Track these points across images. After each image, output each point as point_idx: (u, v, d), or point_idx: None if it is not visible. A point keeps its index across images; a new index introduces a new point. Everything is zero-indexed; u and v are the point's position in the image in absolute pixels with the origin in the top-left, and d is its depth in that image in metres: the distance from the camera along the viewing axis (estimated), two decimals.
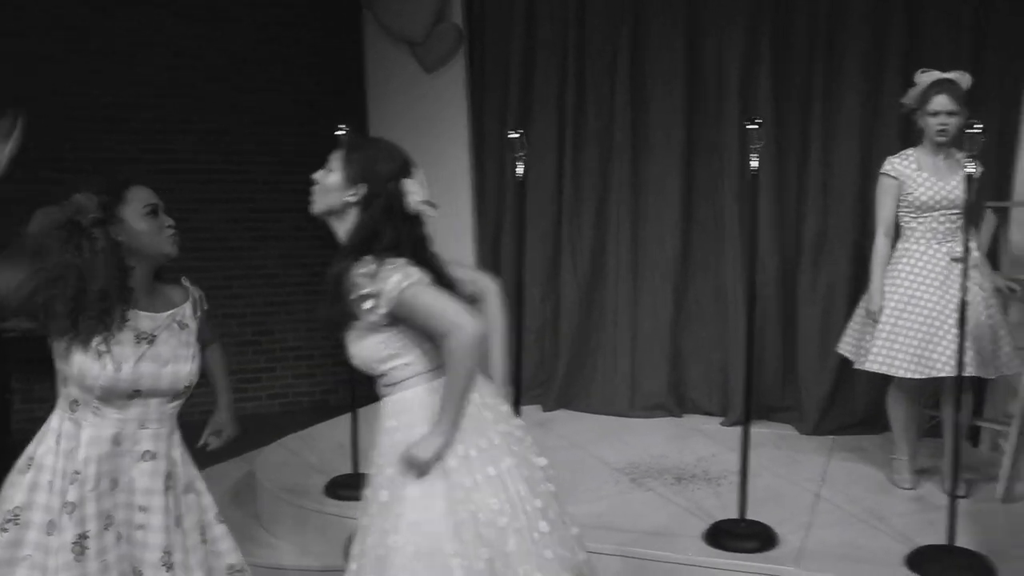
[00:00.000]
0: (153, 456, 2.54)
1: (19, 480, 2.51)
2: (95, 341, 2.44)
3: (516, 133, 3.81)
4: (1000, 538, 3.57)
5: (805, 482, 4.31)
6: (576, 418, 5.54)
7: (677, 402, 5.59)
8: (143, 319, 2.53)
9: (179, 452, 2.63)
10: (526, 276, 5.77)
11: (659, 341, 5.56)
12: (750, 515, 3.59)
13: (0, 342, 5.06)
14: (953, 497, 3.33)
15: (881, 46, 5.04)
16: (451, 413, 2.24)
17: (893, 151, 4.94)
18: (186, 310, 2.65)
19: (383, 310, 2.23)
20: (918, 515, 3.86)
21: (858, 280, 5.13)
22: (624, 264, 5.58)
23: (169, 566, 2.50)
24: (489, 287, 2.56)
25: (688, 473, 4.44)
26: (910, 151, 4.06)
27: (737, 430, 5.12)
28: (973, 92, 4.78)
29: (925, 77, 3.99)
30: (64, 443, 2.49)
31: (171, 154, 6.90)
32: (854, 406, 5.17)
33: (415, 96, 5.78)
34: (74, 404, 2.51)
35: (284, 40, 7.25)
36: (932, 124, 3.94)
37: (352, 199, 2.34)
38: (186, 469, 2.64)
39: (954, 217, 3.94)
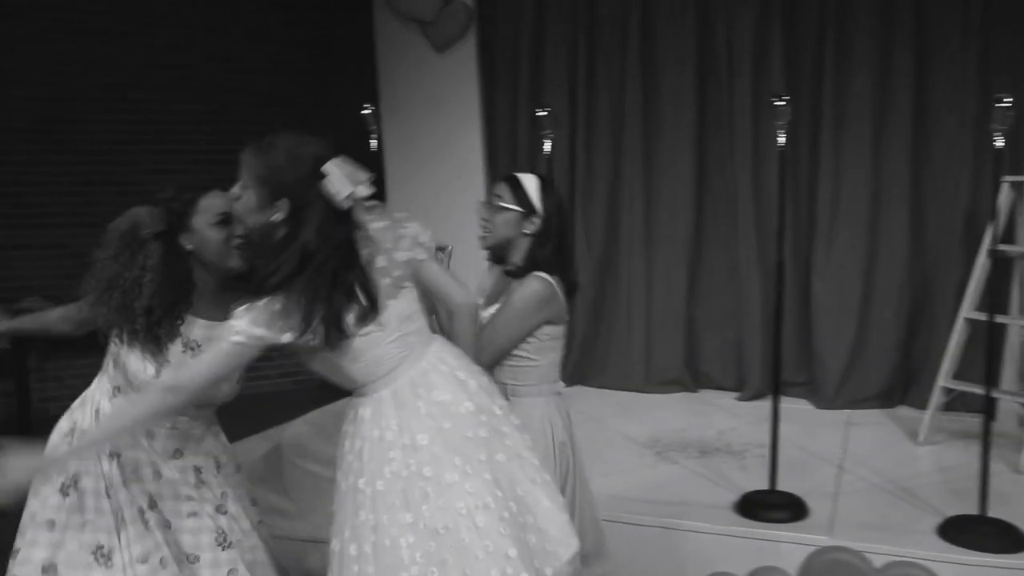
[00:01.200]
0: (181, 454, 2.57)
1: (66, 443, 2.55)
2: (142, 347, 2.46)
3: (543, 111, 3.82)
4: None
5: (826, 454, 4.35)
6: (592, 394, 5.56)
7: (692, 377, 5.62)
8: (198, 327, 2.50)
9: (213, 443, 2.67)
10: None
11: (673, 317, 5.58)
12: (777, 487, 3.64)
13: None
14: (985, 467, 3.37)
15: (891, 23, 5.04)
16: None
17: (903, 127, 5.03)
18: None
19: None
20: (943, 486, 3.92)
21: (870, 255, 5.18)
22: (638, 240, 5.59)
23: (226, 546, 2.55)
24: (459, 306, 2.39)
25: (711, 446, 4.47)
26: None
27: (754, 404, 5.22)
28: (985, 67, 4.85)
29: None
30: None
31: (170, 135, 6.88)
32: (868, 381, 5.21)
33: (426, 76, 5.76)
34: (116, 390, 2.55)
35: (289, 20, 7.23)
36: None
37: (278, 218, 2.16)
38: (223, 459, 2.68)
39: None
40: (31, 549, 2.48)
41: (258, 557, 2.64)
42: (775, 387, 3.74)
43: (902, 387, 5.27)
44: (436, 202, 5.43)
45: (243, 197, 2.23)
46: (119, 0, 6.60)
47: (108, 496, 2.48)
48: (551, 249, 2.64)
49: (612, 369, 5.69)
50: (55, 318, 2.71)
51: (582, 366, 5.72)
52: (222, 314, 2.48)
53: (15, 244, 6.54)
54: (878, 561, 3.18)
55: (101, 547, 2.46)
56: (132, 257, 2.45)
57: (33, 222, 6.59)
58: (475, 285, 2.72)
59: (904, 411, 5.16)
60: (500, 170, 5.84)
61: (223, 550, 2.55)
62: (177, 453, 2.57)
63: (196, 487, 2.58)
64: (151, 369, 2.45)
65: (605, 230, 5.67)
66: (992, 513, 3.40)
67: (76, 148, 6.65)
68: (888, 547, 3.27)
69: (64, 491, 2.49)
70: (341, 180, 2.12)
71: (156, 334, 2.44)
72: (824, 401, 5.21)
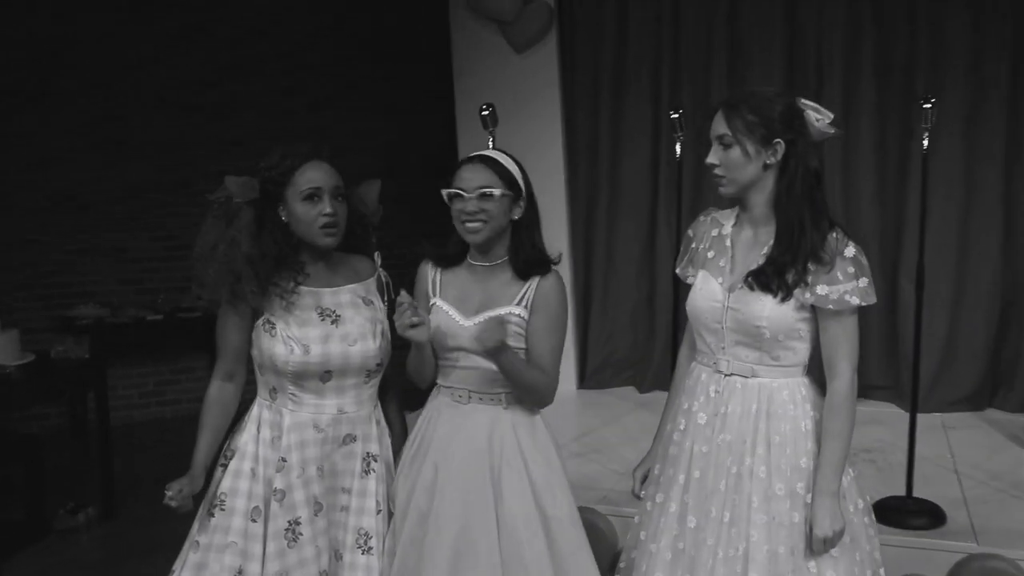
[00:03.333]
0: (353, 439, 2.51)
1: (223, 469, 2.50)
2: (268, 321, 2.44)
3: (676, 113, 3.79)
4: None
5: (936, 459, 4.32)
6: None
7: None
8: (325, 295, 2.48)
9: (377, 432, 2.57)
10: (616, 255, 5.81)
11: None
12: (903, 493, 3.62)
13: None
14: None
15: (985, 25, 5.00)
16: None
17: (997, 129, 5.00)
18: (370, 285, 2.58)
19: None
20: None
21: (957, 261, 5.16)
22: None
23: (366, 549, 2.46)
24: None
25: None
26: None
27: None
28: None
29: None
30: (265, 431, 2.48)
31: (233, 136, 6.83)
32: (959, 383, 5.19)
33: (505, 77, 5.70)
34: (272, 392, 2.51)
35: (360, 20, 7.21)
36: None
37: (773, 161, 2.30)
38: (387, 452, 2.59)
39: None
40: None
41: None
42: (913, 394, 3.69)
43: (990, 390, 5.26)
44: None
45: (731, 153, 2.27)
46: None
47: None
48: (538, 235, 2.49)
49: None
50: (225, 403, 2.60)
51: (665, 370, 5.61)
52: (343, 278, 2.52)
53: (75, 249, 6.48)
54: None
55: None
56: (226, 226, 2.45)
57: (92, 226, 6.53)
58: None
59: (994, 414, 5.16)
60: (580, 170, 5.81)
61: (363, 553, 2.48)
62: (348, 439, 2.53)
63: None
64: (296, 348, 2.41)
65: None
66: None
67: (135, 151, 6.61)
68: None
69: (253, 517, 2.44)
70: (817, 111, 2.32)
71: (248, 296, 2.40)
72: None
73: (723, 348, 2.35)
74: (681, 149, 4.00)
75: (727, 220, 2.46)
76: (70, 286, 6.46)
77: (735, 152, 2.26)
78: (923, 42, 5.09)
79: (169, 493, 2.39)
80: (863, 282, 2.22)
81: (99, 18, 6.36)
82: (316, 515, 2.44)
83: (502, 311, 2.41)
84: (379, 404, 2.61)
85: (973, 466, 4.22)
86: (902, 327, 5.30)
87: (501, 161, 2.43)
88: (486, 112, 3.90)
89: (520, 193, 2.45)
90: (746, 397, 2.33)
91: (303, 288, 2.46)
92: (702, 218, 2.54)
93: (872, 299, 2.21)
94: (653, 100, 5.62)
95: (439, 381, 2.53)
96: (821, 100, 5.21)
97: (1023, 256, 5.14)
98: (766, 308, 2.26)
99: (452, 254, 2.52)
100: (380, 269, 2.62)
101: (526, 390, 2.42)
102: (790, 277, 2.24)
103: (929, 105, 3.43)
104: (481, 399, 2.46)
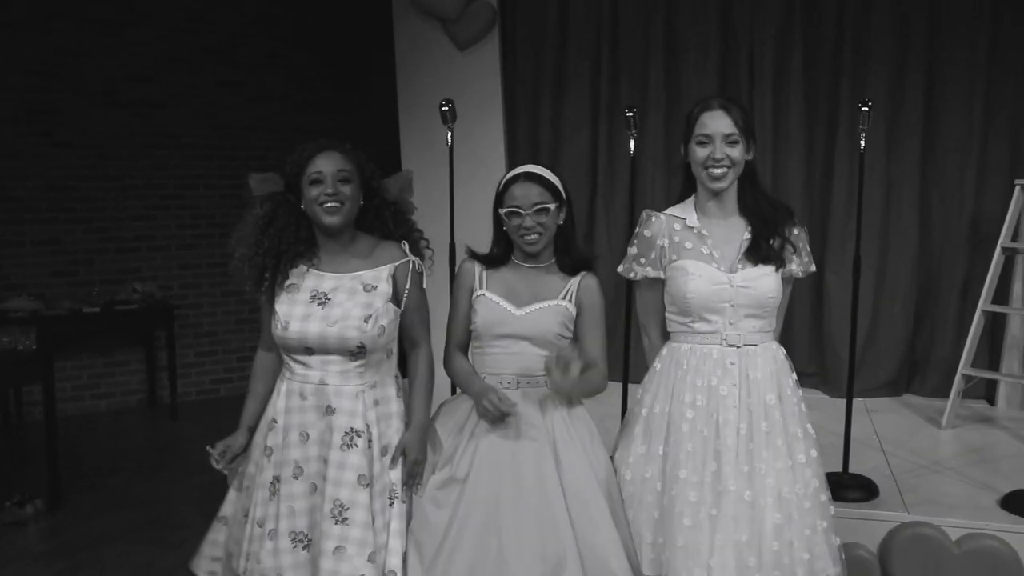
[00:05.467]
0: (333, 411, 2.63)
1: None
2: (276, 298, 2.65)
3: (630, 111, 3.96)
4: None
5: (864, 439, 4.59)
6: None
7: None
8: (327, 279, 2.67)
9: (374, 414, 2.67)
10: None
11: None
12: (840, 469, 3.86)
13: None
14: None
15: (906, 28, 5.31)
16: None
17: (914, 130, 5.33)
18: (382, 273, 2.68)
19: None
20: (985, 465, 4.20)
21: (878, 256, 5.46)
22: None
23: (340, 520, 2.55)
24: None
25: None
26: None
27: None
28: (990, 77, 5.16)
29: None
30: (274, 394, 2.72)
31: (167, 129, 6.81)
32: (878, 370, 5.51)
33: (447, 73, 5.81)
34: (284, 361, 2.72)
35: (298, 14, 7.22)
36: None
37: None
38: (385, 432, 2.68)
39: None
40: None
41: None
42: (850, 377, 3.94)
43: (908, 376, 5.59)
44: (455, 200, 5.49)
45: (736, 150, 2.59)
46: None
47: None
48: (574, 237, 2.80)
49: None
50: (267, 368, 2.83)
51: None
52: (355, 265, 2.69)
53: (5, 241, 6.36)
54: (953, 535, 3.45)
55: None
56: (252, 218, 2.70)
57: (22, 218, 6.41)
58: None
59: (911, 398, 5.50)
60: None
61: (336, 523, 2.62)
62: (329, 410, 2.70)
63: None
64: (280, 323, 2.62)
65: (625, 228, 5.80)
66: None
67: (69, 142, 6.51)
68: (961, 520, 3.52)
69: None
70: None
71: (260, 277, 2.64)
72: (837, 390, 5.45)
73: (731, 324, 2.63)
74: (635, 146, 4.16)
75: (686, 214, 2.72)
76: (2, 279, 6.33)
77: (739, 149, 2.59)
78: (848, 46, 5.39)
79: (213, 452, 2.65)
80: (810, 254, 2.77)
81: (31, 9, 6.25)
82: (295, 478, 2.62)
83: (551, 303, 2.70)
84: (380, 386, 2.71)
85: (897, 445, 4.50)
86: (827, 318, 5.60)
87: (546, 176, 2.71)
88: (446, 108, 4.02)
89: (563, 202, 2.73)
90: (761, 362, 2.64)
91: (311, 271, 2.67)
92: (653, 219, 2.76)
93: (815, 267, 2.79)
94: (592, 97, 5.81)
95: (484, 370, 2.74)
96: (752, 98, 5.53)
97: (937, 253, 5.48)
98: (773, 282, 2.64)
99: (497, 256, 2.80)
100: (414, 258, 2.73)
101: (592, 393, 2.74)
102: (776, 245, 2.63)
103: (867, 108, 3.67)
104: (529, 383, 2.70)
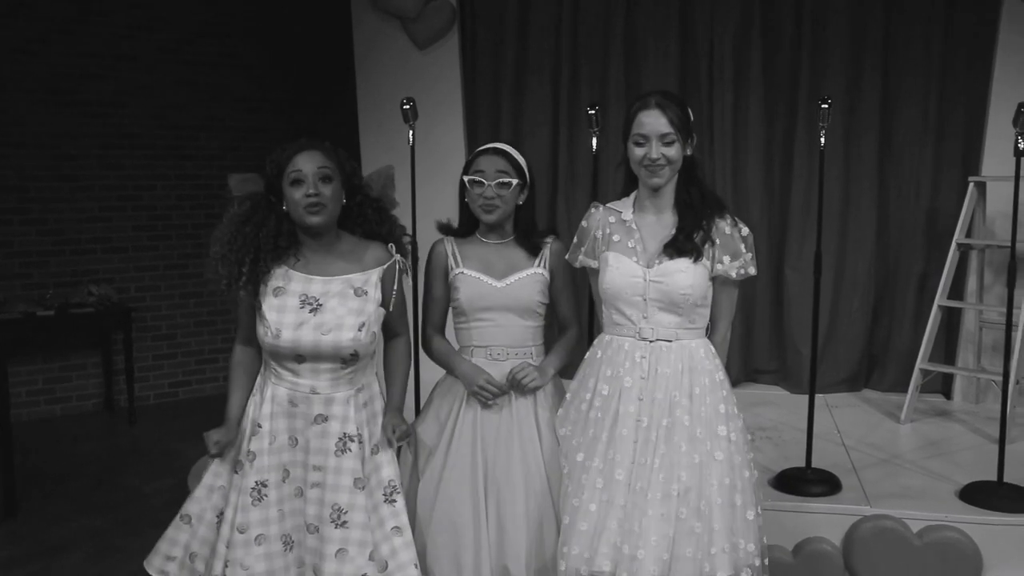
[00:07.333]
0: (325, 419, 2.62)
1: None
2: (259, 301, 2.61)
3: (592, 109, 3.96)
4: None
5: (826, 434, 4.62)
6: None
7: None
8: (315, 283, 2.63)
9: (364, 415, 2.67)
10: None
11: None
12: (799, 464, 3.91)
13: None
14: (1003, 439, 3.70)
15: (862, 28, 5.38)
16: None
17: (871, 128, 5.39)
18: (371, 276, 2.67)
19: None
20: (943, 458, 4.26)
21: (836, 253, 5.51)
22: None
23: (340, 523, 2.57)
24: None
25: None
26: None
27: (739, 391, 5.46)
28: (943, 76, 5.24)
29: None
30: (257, 396, 2.67)
31: (121, 129, 6.70)
32: (838, 366, 5.57)
33: (407, 72, 5.77)
34: (266, 363, 2.68)
35: (252, 12, 7.14)
36: None
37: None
38: (375, 431, 2.69)
39: None
40: None
41: None
42: (812, 373, 3.98)
43: (866, 372, 5.65)
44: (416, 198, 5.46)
45: (672, 149, 2.61)
46: None
47: None
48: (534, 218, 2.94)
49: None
50: (247, 362, 2.80)
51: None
52: (341, 267, 2.67)
53: None
54: (914, 527, 3.50)
55: None
56: (229, 217, 2.67)
57: None
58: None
59: (869, 393, 5.56)
60: None
61: (336, 527, 2.64)
62: (320, 419, 2.69)
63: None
64: (271, 330, 2.57)
65: None
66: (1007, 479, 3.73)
67: (22, 141, 6.39)
68: (921, 513, 3.56)
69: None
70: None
71: (234, 278, 2.60)
72: (798, 386, 5.50)
73: (645, 318, 2.64)
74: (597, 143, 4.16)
75: (624, 208, 2.75)
76: None
77: (675, 148, 2.60)
78: (807, 43, 5.44)
79: (211, 440, 2.63)
80: (752, 257, 2.69)
81: None
82: (283, 481, 2.62)
83: (528, 272, 2.86)
84: (367, 387, 2.71)
85: (857, 440, 4.55)
86: (787, 315, 5.65)
87: (512, 153, 2.87)
88: (407, 106, 4.00)
89: (526, 181, 2.82)
90: (673, 358, 2.63)
91: (296, 273, 2.63)
92: (593, 210, 2.83)
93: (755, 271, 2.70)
94: (553, 95, 5.80)
95: (472, 343, 2.85)
96: (712, 96, 5.56)
97: (894, 249, 5.55)
98: (688, 278, 2.61)
99: (464, 229, 2.94)
100: (397, 256, 2.74)
101: (571, 354, 2.93)
102: (697, 239, 2.61)
103: (827, 105, 3.70)
104: (517, 354, 2.83)
